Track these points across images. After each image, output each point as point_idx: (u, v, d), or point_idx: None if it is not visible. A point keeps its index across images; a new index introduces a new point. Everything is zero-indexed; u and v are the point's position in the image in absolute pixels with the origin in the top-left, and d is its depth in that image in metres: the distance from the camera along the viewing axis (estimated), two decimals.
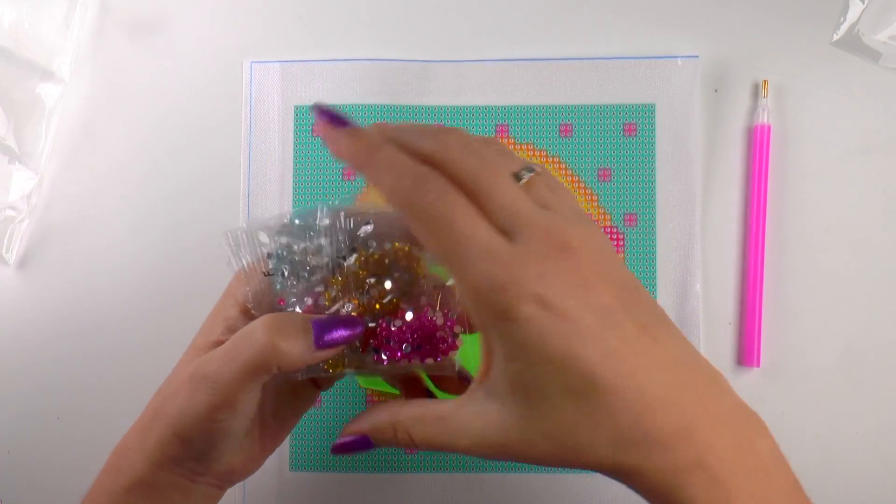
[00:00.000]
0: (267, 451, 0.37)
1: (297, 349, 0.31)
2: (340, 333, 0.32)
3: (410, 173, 0.28)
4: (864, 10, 0.46)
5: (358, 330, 0.32)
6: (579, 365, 0.26)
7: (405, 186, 0.28)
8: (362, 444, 0.33)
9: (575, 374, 0.26)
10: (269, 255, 0.34)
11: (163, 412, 0.33)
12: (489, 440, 0.29)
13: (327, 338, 0.32)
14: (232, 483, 0.36)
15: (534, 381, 0.27)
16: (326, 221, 0.33)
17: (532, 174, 0.29)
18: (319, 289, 0.33)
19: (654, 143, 0.50)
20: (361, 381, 0.49)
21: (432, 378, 0.37)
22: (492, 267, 0.26)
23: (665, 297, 0.49)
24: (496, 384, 0.28)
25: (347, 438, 0.33)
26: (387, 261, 0.33)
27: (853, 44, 0.47)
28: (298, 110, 0.51)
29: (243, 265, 0.34)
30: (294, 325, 0.32)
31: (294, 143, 0.51)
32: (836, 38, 0.47)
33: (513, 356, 0.27)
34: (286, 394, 0.37)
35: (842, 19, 0.47)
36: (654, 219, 0.50)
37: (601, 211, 0.50)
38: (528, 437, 0.28)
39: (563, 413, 0.27)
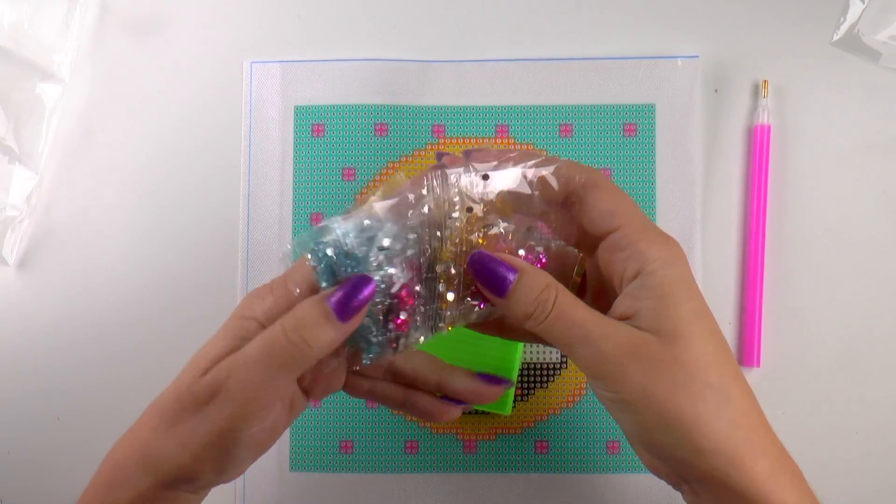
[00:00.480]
0: (256, 457, 0.36)
1: (327, 336, 0.31)
2: (359, 299, 0.32)
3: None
4: (864, 10, 0.46)
5: (371, 286, 0.32)
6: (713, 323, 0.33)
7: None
8: (500, 280, 0.33)
9: (714, 323, 0.32)
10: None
11: (178, 434, 0.33)
12: (630, 348, 0.31)
13: (349, 309, 0.32)
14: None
15: (686, 315, 0.32)
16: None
17: None
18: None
19: (654, 143, 0.50)
20: None
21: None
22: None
23: None
24: (645, 317, 0.32)
25: (495, 261, 0.33)
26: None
27: (853, 44, 0.47)
28: (298, 110, 0.51)
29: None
30: (314, 315, 0.32)
31: (294, 143, 0.51)
32: (836, 38, 0.47)
33: (671, 292, 0.32)
34: (282, 406, 0.36)
35: (842, 19, 0.47)
36: (654, 219, 0.50)
37: None
38: (664, 357, 0.31)
39: (704, 346, 0.31)
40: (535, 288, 0.32)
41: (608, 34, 0.51)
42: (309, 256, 0.33)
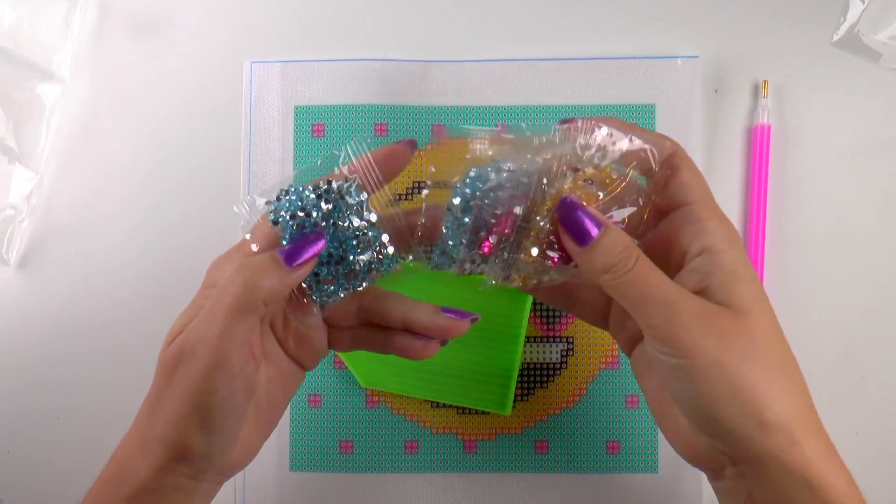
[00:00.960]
0: (263, 437, 0.37)
1: (272, 278, 0.33)
2: (309, 250, 0.34)
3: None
4: (864, 10, 0.46)
5: (321, 243, 0.34)
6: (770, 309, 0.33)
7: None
8: (586, 228, 0.32)
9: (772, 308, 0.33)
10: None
11: (161, 411, 0.33)
12: (705, 317, 0.31)
13: (296, 257, 0.33)
14: (230, 476, 0.36)
15: (754, 294, 0.33)
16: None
17: None
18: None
19: None
20: (360, 378, 0.49)
21: None
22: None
23: None
24: (716, 292, 0.32)
25: (585, 210, 0.33)
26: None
27: (853, 44, 0.47)
28: (298, 110, 0.51)
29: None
30: (261, 260, 0.33)
31: (294, 143, 0.51)
32: (836, 38, 0.47)
33: (739, 271, 0.33)
34: (276, 379, 0.37)
35: (842, 19, 0.47)
36: None
37: None
38: (738, 330, 0.32)
39: (770, 326, 0.33)
40: (619, 244, 0.32)
41: (608, 34, 0.51)
42: (272, 216, 0.34)
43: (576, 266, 0.34)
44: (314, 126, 0.51)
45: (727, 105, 0.50)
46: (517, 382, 0.49)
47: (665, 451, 0.49)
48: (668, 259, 0.34)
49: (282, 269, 0.33)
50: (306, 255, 0.34)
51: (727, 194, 0.50)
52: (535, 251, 0.34)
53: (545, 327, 0.50)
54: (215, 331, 0.32)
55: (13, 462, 0.50)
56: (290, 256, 0.33)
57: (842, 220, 0.50)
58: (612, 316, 0.38)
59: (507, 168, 0.33)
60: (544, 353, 0.50)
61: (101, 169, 0.52)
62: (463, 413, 0.50)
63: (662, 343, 0.32)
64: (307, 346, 0.37)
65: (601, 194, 0.34)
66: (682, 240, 0.34)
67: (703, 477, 0.48)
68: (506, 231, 0.33)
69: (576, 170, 0.33)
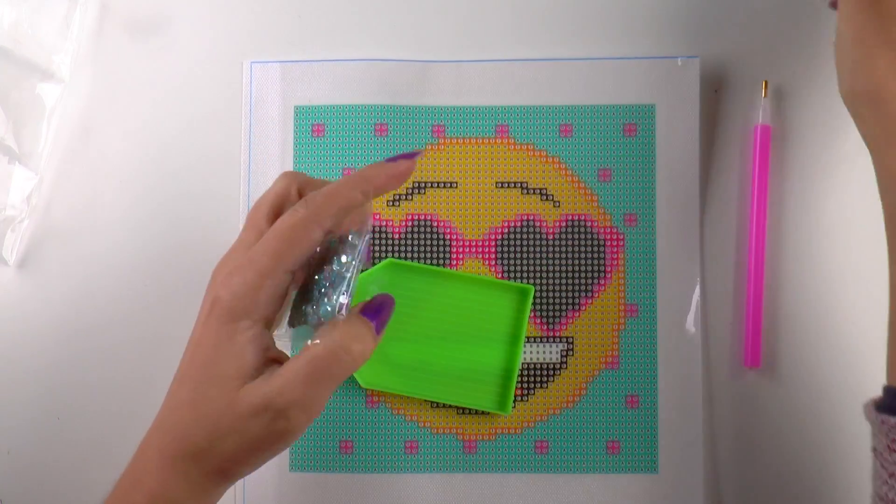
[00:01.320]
0: None
1: (371, 350, 0.36)
2: (388, 311, 0.38)
3: None
4: None
5: (391, 305, 0.38)
6: None
7: None
8: None
9: None
10: None
11: (225, 451, 0.34)
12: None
13: (382, 321, 0.37)
14: None
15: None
16: None
17: None
18: None
19: (654, 143, 0.50)
20: (360, 378, 0.49)
21: None
22: None
23: (664, 298, 0.49)
24: None
25: None
26: None
27: None
28: (298, 110, 0.51)
29: None
30: (363, 335, 0.36)
31: (294, 143, 0.51)
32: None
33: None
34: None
35: None
36: (654, 219, 0.50)
37: (601, 211, 0.50)
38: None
39: None
40: None
41: (608, 34, 0.51)
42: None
43: None
44: (314, 126, 0.51)
45: (727, 105, 0.50)
46: (517, 382, 0.49)
47: (665, 451, 0.49)
48: None
49: (372, 334, 0.36)
50: (386, 321, 0.38)
51: (727, 194, 0.50)
52: None
53: (545, 327, 0.50)
54: (311, 397, 0.34)
55: (13, 462, 0.50)
56: (381, 326, 0.37)
57: (841, 221, 0.50)
58: None
59: None
60: (544, 353, 0.50)
61: (101, 169, 0.52)
62: (463, 413, 0.50)
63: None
64: None
65: None
66: None
67: (703, 477, 0.49)
68: None
69: None
